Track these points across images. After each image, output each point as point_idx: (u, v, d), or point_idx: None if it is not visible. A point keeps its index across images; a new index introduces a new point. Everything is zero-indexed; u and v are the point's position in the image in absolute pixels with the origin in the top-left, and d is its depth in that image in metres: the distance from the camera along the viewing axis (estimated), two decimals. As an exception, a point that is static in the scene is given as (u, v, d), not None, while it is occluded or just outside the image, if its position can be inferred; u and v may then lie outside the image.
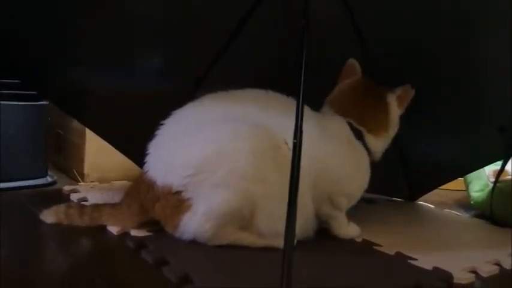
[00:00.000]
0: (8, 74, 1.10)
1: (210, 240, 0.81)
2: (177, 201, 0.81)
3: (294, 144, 0.66)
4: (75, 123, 1.25)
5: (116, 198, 1.08)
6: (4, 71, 1.09)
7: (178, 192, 0.81)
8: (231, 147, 0.80)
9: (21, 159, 1.13)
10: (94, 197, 1.07)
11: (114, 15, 0.96)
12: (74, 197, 1.07)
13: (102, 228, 0.89)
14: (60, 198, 1.09)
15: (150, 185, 0.84)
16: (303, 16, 0.74)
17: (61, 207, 0.90)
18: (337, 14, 1.03)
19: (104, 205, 0.91)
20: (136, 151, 1.20)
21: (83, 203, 1.02)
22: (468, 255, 0.88)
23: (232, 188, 0.79)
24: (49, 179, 1.19)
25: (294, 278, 0.57)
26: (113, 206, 0.91)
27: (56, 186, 1.18)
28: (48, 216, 0.89)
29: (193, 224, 0.80)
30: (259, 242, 0.82)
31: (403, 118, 1.00)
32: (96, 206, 0.91)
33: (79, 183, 1.22)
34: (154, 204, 0.84)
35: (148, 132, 1.16)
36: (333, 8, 1.01)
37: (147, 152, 0.89)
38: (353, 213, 0.97)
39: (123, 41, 1.01)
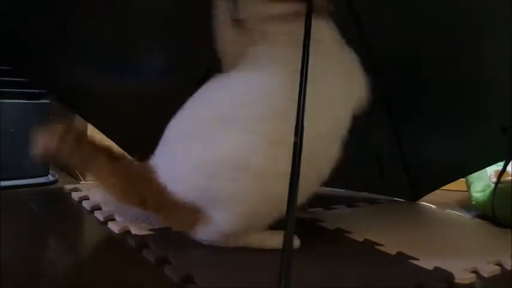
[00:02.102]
0: (10, 71, 1.10)
1: (226, 245, 0.78)
2: (190, 211, 0.75)
3: (295, 142, 0.66)
4: (77, 121, 1.25)
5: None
6: (6, 68, 1.10)
7: (192, 202, 0.75)
8: (246, 150, 0.72)
9: (22, 158, 1.12)
10: (95, 195, 1.06)
11: (117, 13, 0.96)
12: (75, 195, 1.07)
13: (103, 226, 0.89)
14: (61, 197, 1.09)
15: (159, 187, 0.78)
16: (306, 24, 0.74)
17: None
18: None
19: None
20: (138, 148, 1.21)
21: (83, 201, 1.02)
22: (469, 256, 0.88)
23: (253, 195, 0.73)
24: (50, 178, 1.19)
25: (293, 277, 0.57)
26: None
27: (58, 185, 1.18)
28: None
29: (210, 234, 0.77)
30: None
31: (405, 118, 0.99)
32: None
33: (80, 182, 1.22)
34: (161, 208, 0.79)
35: (150, 130, 1.17)
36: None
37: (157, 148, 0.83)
38: (355, 213, 0.97)
39: (126, 38, 1.01)
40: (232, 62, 0.83)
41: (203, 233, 0.77)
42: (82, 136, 0.87)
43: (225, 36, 0.87)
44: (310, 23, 0.73)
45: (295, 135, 0.66)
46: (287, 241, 0.60)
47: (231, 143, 0.73)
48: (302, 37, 0.72)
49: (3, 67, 1.09)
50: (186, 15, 1.01)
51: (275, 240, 0.76)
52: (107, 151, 0.88)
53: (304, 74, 0.70)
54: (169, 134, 0.82)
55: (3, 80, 1.10)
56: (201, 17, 1.01)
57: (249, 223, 0.77)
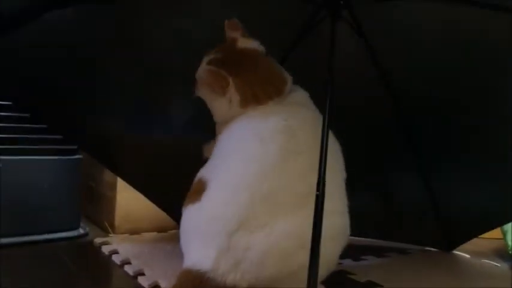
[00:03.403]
0: (43, 128, 1.15)
1: None
2: None
3: (317, 197, 0.67)
4: (106, 176, 1.28)
5: (147, 249, 1.09)
6: (39, 127, 1.14)
7: None
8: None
9: (55, 212, 1.15)
10: (125, 248, 1.08)
11: (145, 68, 1.00)
12: (105, 249, 1.08)
13: (133, 280, 0.89)
14: (92, 250, 1.10)
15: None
16: (328, 71, 0.76)
17: None
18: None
19: None
20: (167, 201, 1.22)
21: (113, 255, 1.03)
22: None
23: None
24: (81, 231, 1.21)
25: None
26: None
27: (88, 238, 1.20)
28: None
29: None
30: None
31: (438, 166, 0.98)
32: None
33: (110, 235, 1.23)
34: None
35: (179, 182, 1.18)
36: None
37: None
38: (386, 265, 0.95)
39: (154, 92, 1.05)
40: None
41: None
42: None
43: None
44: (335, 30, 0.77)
45: (317, 189, 0.68)
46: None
47: None
48: None
49: (36, 125, 1.14)
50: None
51: None
52: None
53: (327, 126, 0.72)
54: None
55: (37, 137, 1.15)
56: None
57: None
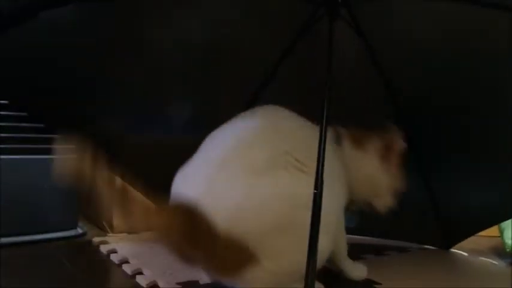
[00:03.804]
0: (42, 128, 1.14)
1: None
2: (240, 252, 0.73)
3: (315, 195, 0.68)
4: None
5: (145, 249, 1.09)
6: (39, 126, 1.14)
7: (244, 244, 0.73)
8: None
9: (53, 212, 1.15)
10: (123, 248, 1.07)
11: (146, 69, 1.00)
12: (103, 248, 1.08)
13: (131, 280, 0.89)
14: (90, 249, 1.10)
15: (205, 225, 0.73)
16: (327, 70, 0.76)
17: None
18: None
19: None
20: (166, 199, 1.22)
21: (111, 254, 1.03)
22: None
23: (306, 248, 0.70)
24: (79, 231, 1.21)
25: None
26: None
27: (86, 238, 1.19)
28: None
29: (256, 279, 0.75)
30: None
31: (436, 165, 0.99)
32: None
33: (108, 234, 1.23)
34: (207, 249, 0.73)
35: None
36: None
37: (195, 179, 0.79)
38: (385, 263, 0.95)
39: (153, 93, 1.04)
40: None
41: (249, 279, 0.75)
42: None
43: None
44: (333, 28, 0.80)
45: (315, 187, 0.68)
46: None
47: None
48: None
49: (35, 124, 1.14)
50: (215, 65, 1.05)
51: None
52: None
53: (324, 127, 0.72)
54: (220, 174, 0.77)
55: (35, 136, 1.14)
56: (230, 68, 1.05)
57: (296, 272, 0.73)
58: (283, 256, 0.75)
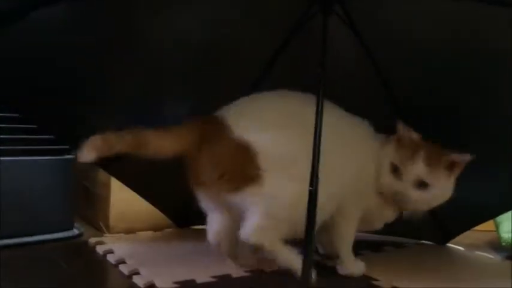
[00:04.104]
0: (36, 129, 1.13)
1: (256, 235, 0.82)
2: (249, 164, 0.81)
3: (310, 192, 0.68)
4: (100, 176, 1.28)
5: (142, 249, 1.08)
6: (32, 127, 1.13)
7: (255, 156, 0.81)
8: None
9: (48, 213, 1.15)
10: (120, 248, 1.07)
11: (143, 67, 0.99)
12: (100, 249, 1.07)
13: (128, 280, 0.89)
14: (86, 250, 1.10)
15: (224, 129, 0.84)
16: (320, 65, 0.77)
17: (96, 139, 0.84)
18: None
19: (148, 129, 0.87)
20: (162, 200, 1.22)
21: (108, 255, 1.03)
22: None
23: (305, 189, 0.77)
24: (75, 231, 1.20)
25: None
26: (159, 128, 0.87)
27: (83, 238, 1.19)
28: (87, 153, 0.83)
29: (255, 200, 0.81)
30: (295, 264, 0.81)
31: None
32: (138, 130, 0.86)
33: (105, 235, 1.23)
34: (220, 149, 0.83)
35: (175, 181, 1.18)
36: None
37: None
38: (382, 259, 0.95)
39: (150, 92, 1.04)
40: None
41: (249, 198, 0.81)
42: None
43: None
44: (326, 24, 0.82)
45: (311, 184, 0.68)
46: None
47: None
48: None
49: (29, 125, 1.13)
50: (208, 71, 1.04)
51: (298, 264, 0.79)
52: None
53: (319, 121, 0.72)
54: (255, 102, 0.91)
55: (28, 138, 1.14)
56: (222, 66, 1.05)
57: (290, 207, 0.80)
58: (284, 186, 0.81)
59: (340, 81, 0.94)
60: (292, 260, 0.84)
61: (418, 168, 0.91)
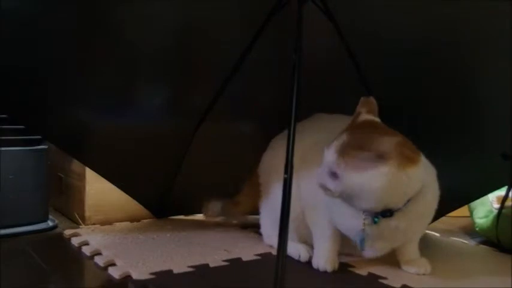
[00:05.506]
0: (8, 119, 1.11)
1: None
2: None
3: (285, 179, 0.68)
4: (75, 166, 1.25)
5: (118, 239, 1.07)
6: (4, 116, 1.10)
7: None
8: None
9: (21, 205, 1.12)
10: (95, 239, 1.06)
11: (115, 55, 0.98)
12: (75, 241, 1.06)
13: (103, 271, 0.88)
14: (61, 242, 1.08)
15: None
16: (295, 52, 0.76)
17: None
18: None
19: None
20: (138, 189, 1.21)
21: (83, 247, 1.01)
22: (473, 283, 0.88)
23: None
24: (50, 223, 1.18)
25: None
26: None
27: (57, 231, 1.17)
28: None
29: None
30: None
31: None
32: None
33: (80, 226, 1.21)
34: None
35: (150, 169, 1.17)
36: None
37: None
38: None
39: (123, 79, 1.03)
40: None
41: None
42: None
43: None
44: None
45: (285, 172, 0.68)
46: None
47: None
48: None
49: (1, 115, 1.10)
50: (183, 57, 1.03)
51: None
52: None
53: (294, 110, 0.72)
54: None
55: (1, 128, 1.11)
56: (200, 56, 1.04)
57: None
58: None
59: (316, 68, 0.94)
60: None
61: (328, 156, 0.79)
